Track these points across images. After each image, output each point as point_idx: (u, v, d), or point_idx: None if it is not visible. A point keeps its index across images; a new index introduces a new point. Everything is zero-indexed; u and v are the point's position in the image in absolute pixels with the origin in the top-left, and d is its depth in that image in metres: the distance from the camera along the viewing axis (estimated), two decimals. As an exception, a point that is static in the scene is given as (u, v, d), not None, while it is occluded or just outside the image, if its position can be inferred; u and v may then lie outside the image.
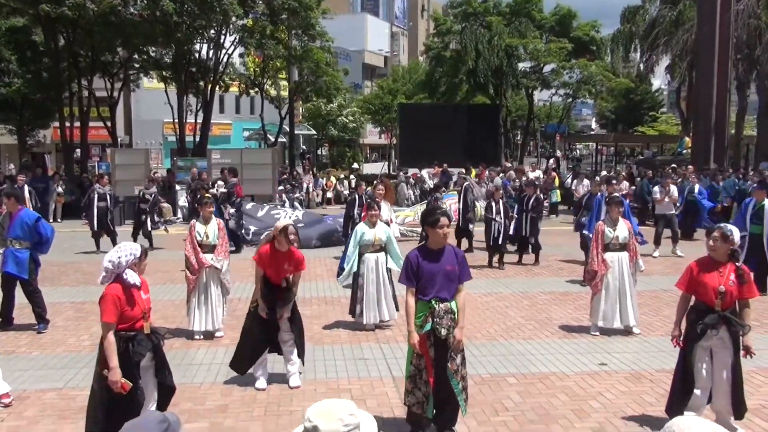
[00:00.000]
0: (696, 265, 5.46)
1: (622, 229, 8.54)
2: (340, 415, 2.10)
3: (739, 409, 5.29)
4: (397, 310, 8.77)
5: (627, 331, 8.49)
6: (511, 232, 13.49)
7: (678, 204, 15.58)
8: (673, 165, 22.29)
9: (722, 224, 5.65)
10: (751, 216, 10.89)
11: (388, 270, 8.79)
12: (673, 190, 15.15)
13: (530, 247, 13.64)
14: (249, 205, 17.63)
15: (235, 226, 14.92)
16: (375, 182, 14.07)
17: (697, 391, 5.41)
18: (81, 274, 12.70)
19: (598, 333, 8.47)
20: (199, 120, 31.11)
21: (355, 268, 8.79)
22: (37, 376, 6.99)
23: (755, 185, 12.38)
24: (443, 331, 5.17)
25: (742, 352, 5.33)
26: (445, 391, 5.31)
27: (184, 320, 8.67)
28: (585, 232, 11.80)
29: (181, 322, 8.76)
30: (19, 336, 8.51)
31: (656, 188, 15.57)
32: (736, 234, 5.38)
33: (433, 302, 5.23)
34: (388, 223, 9.95)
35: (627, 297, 8.46)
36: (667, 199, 14.89)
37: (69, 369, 7.21)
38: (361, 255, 8.73)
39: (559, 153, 48.64)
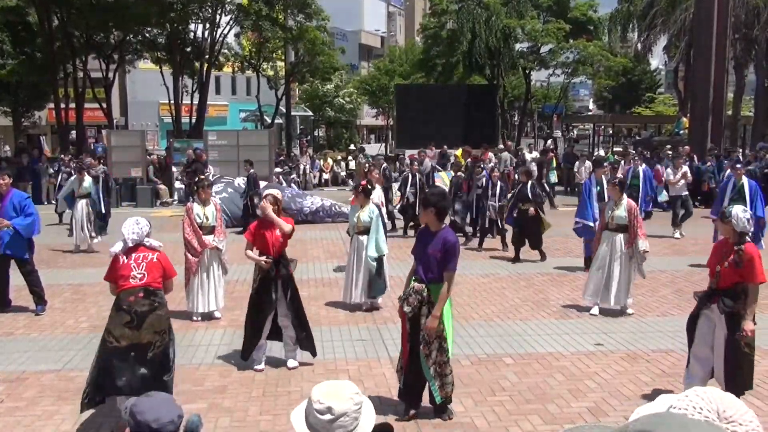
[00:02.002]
0: (716, 244, 5.91)
1: (620, 210, 8.52)
2: (350, 394, 2.19)
3: (734, 385, 5.26)
4: (382, 292, 8.79)
5: (621, 311, 8.48)
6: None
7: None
8: (669, 145, 22.25)
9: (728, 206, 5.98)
10: (733, 195, 10.98)
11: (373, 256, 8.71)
12: (686, 169, 14.92)
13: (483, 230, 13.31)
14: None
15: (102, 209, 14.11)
16: (368, 166, 14.00)
17: (696, 363, 5.56)
18: (78, 256, 12.69)
19: (597, 313, 8.47)
20: (195, 101, 30.96)
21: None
22: (35, 358, 7.01)
23: (737, 166, 12.21)
24: (406, 308, 5.33)
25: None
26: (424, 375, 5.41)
27: (182, 301, 8.69)
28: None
29: (178, 304, 8.77)
30: (17, 317, 8.52)
31: (668, 170, 15.14)
32: (741, 215, 5.32)
33: (413, 280, 5.45)
34: (378, 207, 9.91)
35: (612, 278, 8.41)
36: (682, 181, 14.56)
37: (67, 350, 7.23)
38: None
39: (558, 133, 48.40)
